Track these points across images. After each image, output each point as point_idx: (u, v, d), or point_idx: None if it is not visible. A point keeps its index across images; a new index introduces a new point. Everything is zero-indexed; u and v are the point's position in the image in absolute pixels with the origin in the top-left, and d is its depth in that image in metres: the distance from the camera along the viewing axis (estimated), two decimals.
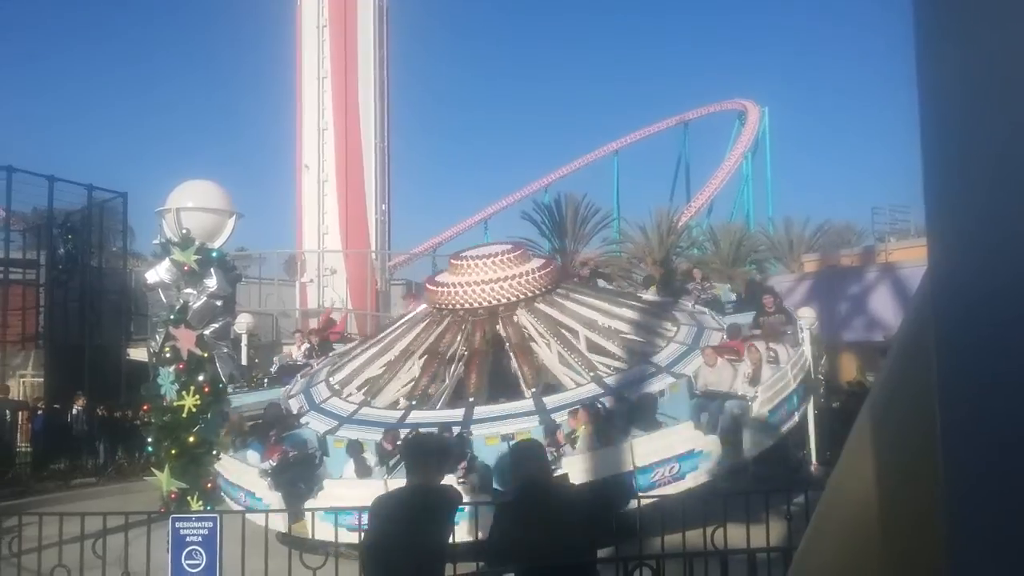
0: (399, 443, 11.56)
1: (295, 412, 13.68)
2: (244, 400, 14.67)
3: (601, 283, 17.05)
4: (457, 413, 12.27)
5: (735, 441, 11.43)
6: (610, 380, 12.47)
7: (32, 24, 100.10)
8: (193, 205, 13.24)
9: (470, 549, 6.67)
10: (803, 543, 2.10)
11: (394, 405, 13.41)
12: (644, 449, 10.87)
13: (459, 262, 14.15)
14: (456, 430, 11.42)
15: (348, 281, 27.00)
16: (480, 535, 7.68)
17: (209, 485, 11.91)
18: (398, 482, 8.79)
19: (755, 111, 44.86)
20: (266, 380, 16.48)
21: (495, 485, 10.63)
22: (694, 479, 10.75)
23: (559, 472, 9.57)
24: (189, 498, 11.54)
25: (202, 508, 11.10)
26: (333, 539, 8.11)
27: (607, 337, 13.70)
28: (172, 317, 12.49)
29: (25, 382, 25.46)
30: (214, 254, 13.13)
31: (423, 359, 13.89)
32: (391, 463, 11.36)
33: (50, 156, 78.88)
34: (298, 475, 11.49)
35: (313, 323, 24.07)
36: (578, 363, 12.96)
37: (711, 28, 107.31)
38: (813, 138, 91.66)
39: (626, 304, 14.85)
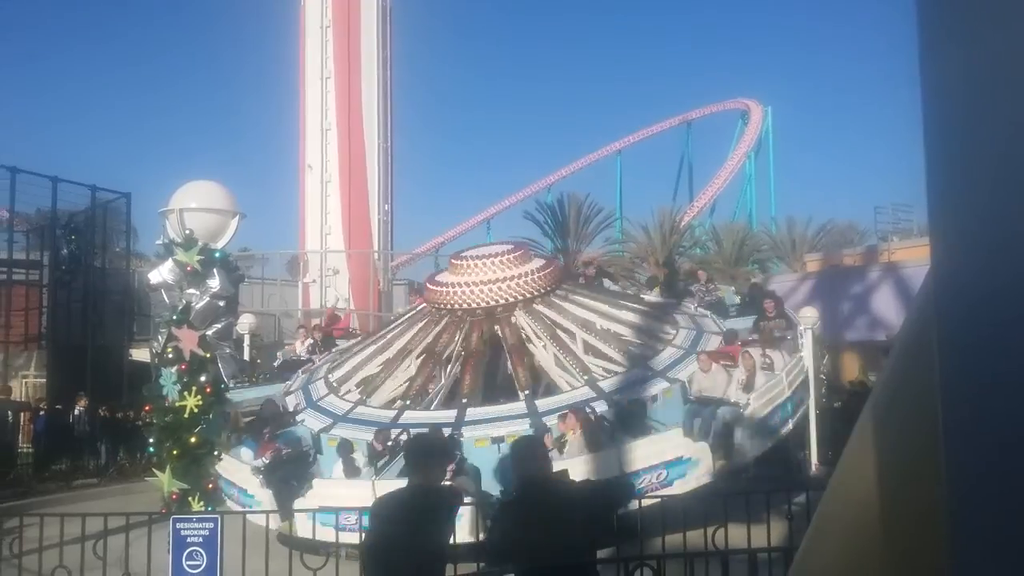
0: (389, 444, 11.54)
1: (292, 409, 13.68)
2: (244, 395, 14.70)
3: (607, 283, 16.99)
4: (450, 414, 12.26)
5: (727, 447, 11.35)
6: (605, 384, 12.41)
7: (35, 24, 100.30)
8: (196, 205, 13.27)
9: (470, 549, 6.66)
10: (804, 543, 2.10)
11: (389, 404, 13.40)
12: (633, 455, 10.77)
13: (459, 262, 14.14)
14: (447, 431, 11.39)
15: (351, 281, 26.97)
16: (473, 536, 7.69)
17: (210, 486, 11.92)
18: (385, 483, 8.80)
19: (758, 110, 44.87)
20: (267, 376, 16.47)
21: (495, 485, 10.60)
22: (682, 486, 10.57)
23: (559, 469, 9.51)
24: (190, 499, 11.56)
25: (203, 509, 11.10)
26: (311, 536, 8.06)
27: (604, 340, 13.62)
28: (175, 317, 12.51)
29: (27, 382, 25.50)
30: (217, 254, 13.15)
31: (420, 359, 13.89)
32: (379, 464, 11.33)
33: (54, 157, 79.12)
34: (291, 473, 11.47)
35: (316, 322, 24.05)
36: (573, 366, 12.91)
37: (714, 27, 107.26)
38: (816, 137, 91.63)
39: (627, 306, 14.78)
